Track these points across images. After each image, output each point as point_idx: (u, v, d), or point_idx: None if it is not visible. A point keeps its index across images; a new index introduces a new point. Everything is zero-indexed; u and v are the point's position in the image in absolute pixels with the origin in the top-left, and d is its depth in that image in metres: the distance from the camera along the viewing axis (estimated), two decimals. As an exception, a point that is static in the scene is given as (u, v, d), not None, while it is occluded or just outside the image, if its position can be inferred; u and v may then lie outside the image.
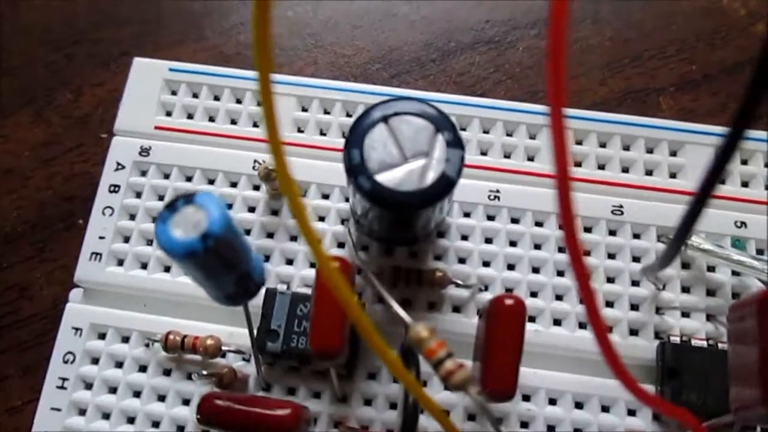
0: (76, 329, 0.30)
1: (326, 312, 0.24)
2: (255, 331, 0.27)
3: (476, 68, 0.37)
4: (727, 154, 0.17)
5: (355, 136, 0.24)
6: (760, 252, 0.30)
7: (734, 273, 0.29)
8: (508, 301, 0.24)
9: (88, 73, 0.38)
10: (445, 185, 0.24)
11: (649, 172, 0.31)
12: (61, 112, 0.37)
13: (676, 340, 0.28)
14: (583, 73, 0.37)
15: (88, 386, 0.29)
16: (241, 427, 0.24)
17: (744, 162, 0.31)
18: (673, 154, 0.32)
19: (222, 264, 0.21)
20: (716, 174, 0.18)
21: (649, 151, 0.32)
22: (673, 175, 0.31)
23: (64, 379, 0.29)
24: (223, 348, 0.28)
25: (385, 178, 0.24)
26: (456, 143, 0.24)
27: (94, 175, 0.35)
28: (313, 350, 0.24)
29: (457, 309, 0.29)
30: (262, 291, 0.28)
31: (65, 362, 0.29)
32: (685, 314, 0.29)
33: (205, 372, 0.27)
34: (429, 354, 0.22)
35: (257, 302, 0.28)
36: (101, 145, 0.36)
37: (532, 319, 0.29)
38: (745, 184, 0.31)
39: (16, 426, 0.32)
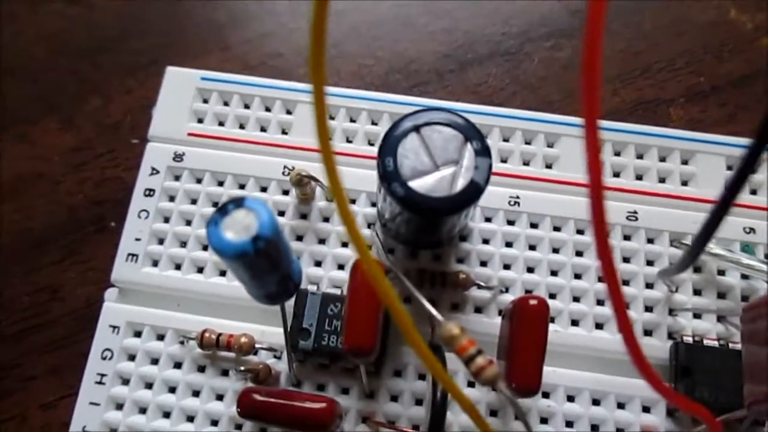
0: (114, 327, 0.31)
1: (360, 311, 0.25)
2: (288, 330, 0.29)
3: (493, 79, 0.39)
4: (750, 165, 0.18)
5: (388, 145, 0.26)
6: (768, 256, 0.31)
7: (743, 276, 0.31)
8: (533, 302, 0.26)
9: (115, 82, 0.39)
10: (473, 192, 0.25)
11: (662, 180, 0.33)
12: (91, 119, 0.38)
13: (689, 340, 0.29)
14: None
15: (125, 382, 0.30)
16: (279, 421, 0.25)
17: (752, 172, 0.33)
18: (685, 162, 0.33)
19: (268, 265, 0.22)
20: (739, 184, 0.19)
21: (662, 159, 0.33)
22: (684, 183, 0.33)
23: (102, 375, 0.30)
24: (256, 345, 0.30)
25: (417, 184, 0.25)
26: (484, 152, 0.26)
27: (126, 179, 0.36)
28: (347, 348, 0.25)
29: (479, 309, 0.31)
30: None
31: (103, 359, 0.30)
32: (697, 315, 0.30)
33: (242, 368, 0.28)
34: (461, 350, 0.23)
35: (289, 302, 0.29)
36: (132, 150, 0.37)
37: (551, 320, 0.31)
38: (753, 192, 0.33)
39: (48, 421, 0.33)
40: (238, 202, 0.22)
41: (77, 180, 0.37)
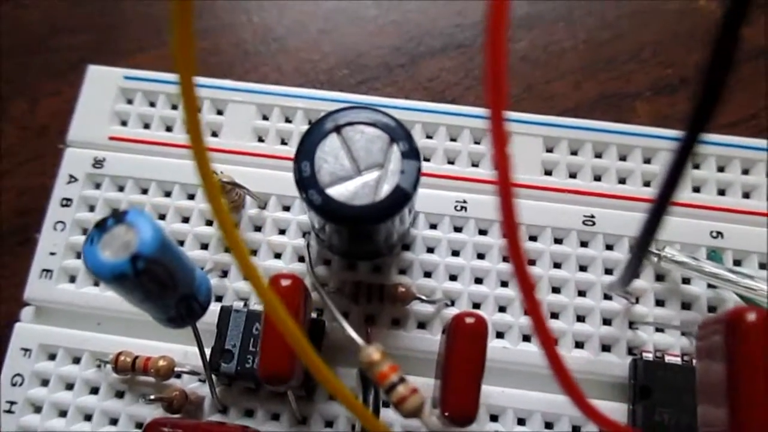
0: (25, 350, 0.28)
1: (277, 333, 0.22)
2: (209, 352, 0.26)
3: (446, 73, 0.36)
4: (683, 160, 0.16)
5: (305, 148, 0.23)
6: (737, 263, 0.29)
7: (710, 285, 0.28)
8: (469, 320, 0.23)
9: (44, 83, 0.37)
10: (400, 198, 0.23)
11: (622, 181, 0.30)
12: (17, 123, 0.36)
13: (649, 356, 0.27)
14: (556, 77, 0.36)
15: (37, 410, 0.28)
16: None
17: (720, 169, 0.30)
18: (647, 161, 0.30)
19: (158, 286, 0.20)
20: (673, 182, 0.16)
21: (622, 158, 0.31)
22: (647, 184, 0.30)
23: (12, 403, 0.28)
24: (177, 369, 0.27)
25: (336, 191, 0.23)
26: (412, 154, 0.23)
27: (52, 188, 0.34)
28: (261, 375, 0.22)
29: (422, 325, 0.28)
30: (217, 308, 0.27)
31: (13, 385, 0.28)
32: (660, 329, 0.28)
33: (152, 396, 0.26)
34: (380, 378, 0.21)
35: (212, 320, 0.27)
36: (59, 156, 0.34)
37: (500, 335, 0.28)
38: (721, 192, 0.30)
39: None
40: (118, 217, 0.19)
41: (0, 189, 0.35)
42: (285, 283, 0.23)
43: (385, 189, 0.23)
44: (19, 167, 0.35)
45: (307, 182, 0.23)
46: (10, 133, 0.35)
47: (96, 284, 0.29)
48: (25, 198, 0.34)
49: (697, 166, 0.30)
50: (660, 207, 0.17)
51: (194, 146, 0.17)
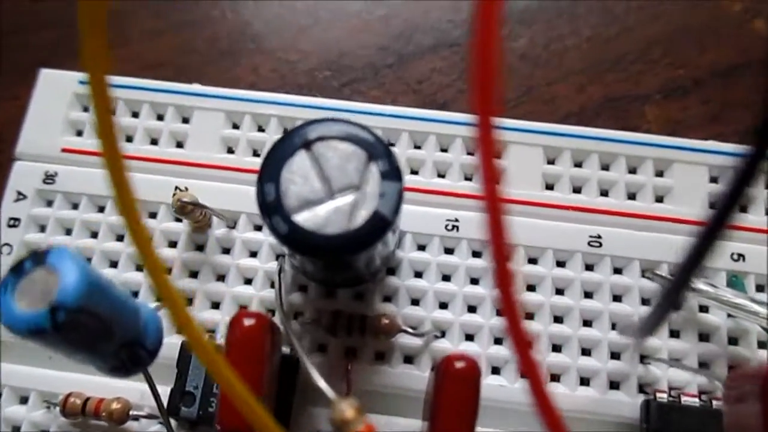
0: (-37, 388, 0.25)
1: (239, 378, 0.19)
2: (168, 391, 0.23)
3: (438, 74, 0.33)
4: (747, 179, 0.13)
5: (270, 167, 0.20)
6: (760, 289, 0.26)
7: (730, 315, 0.25)
8: (459, 364, 0.20)
9: (0, 86, 0.33)
10: (379, 225, 0.20)
11: (631, 196, 0.27)
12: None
13: (663, 396, 0.24)
14: (558, 78, 0.32)
15: (-23, 458, 0.25)
16: None
17: (741, 182, 0.27)
18: (660, 174, 0.27)
19: (88, 337, 0.17)
20: (732, 205, 0.13)
21: (632, 171, 0.27)
22: (659, 199, 0.27)
23: (-51, 450, 0.25)
24: (133, 412, 0.24)
25: (305, 218, 0.20)
26: (393, 174, 0.20)
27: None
28: (219, 427, 0.19)
29: (408, 360, 0.25)
30: (178, 343, 0.24)
31: (-50, 429, 0.25)
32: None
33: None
34: (354, 441, 0.18)
35: (173, 355, 0.24)
36: (8, 170, 0.31)
37: (495, 371, 0.25)
38: (743, 209, 0.27)
39: None
40: (38, 258, 0.16)
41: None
42: (248, 323, 0.20)
43: (362, 215, 0.20)
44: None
45: (272, 207, 0.20)
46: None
47: (46, 314, 0.26)
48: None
49: (715, 180, 0.27)
50: (711, 236, 0.14)
51: (107, 155, 0.14)
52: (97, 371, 0.21)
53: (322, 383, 0.19)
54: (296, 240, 0.19)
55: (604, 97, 0.32)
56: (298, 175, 0.20)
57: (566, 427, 0.16)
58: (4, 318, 0.15)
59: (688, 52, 0.32)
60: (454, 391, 0.20)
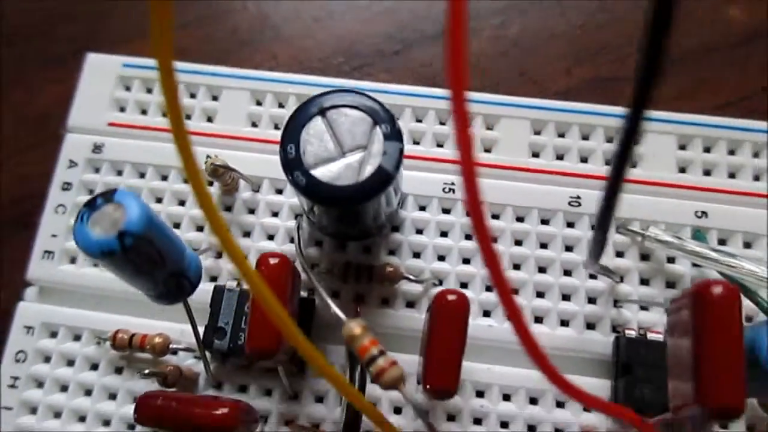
0: (28, 328, 0.29)
1: (261, 314, 0.23)
2: (203, 329, 0.27)
3: (438, 59, 0.36)
4: (630, 138, 0.16)
5: (290, 131, 0.24)
6: (722, 242, 0.29)
7: (695, 264, 0.29)
8: (451, 297, 0.24)
9: (44, 71, 0.37)
10: (382, 178, 0.23)
11: (608, 162, 0.31)
12: (17, 112, 0.37)
13: (632, 333, 0.27)
14: (547, 63, 0.36)
15: (40, 385, 0.29)
16: (177, 427, 0.23)
17: (707, 150, 0.31)
18: (634, 143, 0.31)
19: (146, 262, 0.21)
20: (623, 159, 0.17)
21: (609, 140, 0.31)
22: (633, 165, 0.31)
23: (15, 378, 0.29)
24: (173, 346, 0.28)
25: (321, 172, 0.23)
26: (394, 136, 0.24)
27: (52, 173, 0.35)
28: (248, 349, 0.23)
29: (410, 304, 0.29)
30: (211, 288, 0.28)
31: (17, 361, 0.29)
32: (644, 307, 0.28)
33: (147, 371, 0.27)
34: (361, 352, 0.22)
35: (206, 299, 0.28)
36: (59, 143, 0.35)
37: (486, 314, 0.29)
38: (707, 173, 0.30)
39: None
40: (107, 196, 0.20)
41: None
42: (272, 261, 0.24)
43: (368, 170, 0.23)
44: (19, 154, 0.36)
45: (293, 164, 0.23)
46: (10, 121, 0.36)
47: (95, 265, 0.30)
48: (25, 184, 0.35)
49: (683, 147, 0.31)
50: (614, 183, 0.18)
51: (174, 129, 0.17)
52: (142, 308, 0.26)
53: (335, 307, 0.23)
54: (314, 191, 0.23)
55: (591, 79, 0.36)
56: (315, 137, 0.24)
57: (546, 356, 0.19)
58: (80, 242, 0.19)
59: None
60: (446, 320, 0.23)
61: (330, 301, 0.23)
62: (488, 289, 0.29)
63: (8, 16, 0.39)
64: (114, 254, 0.19)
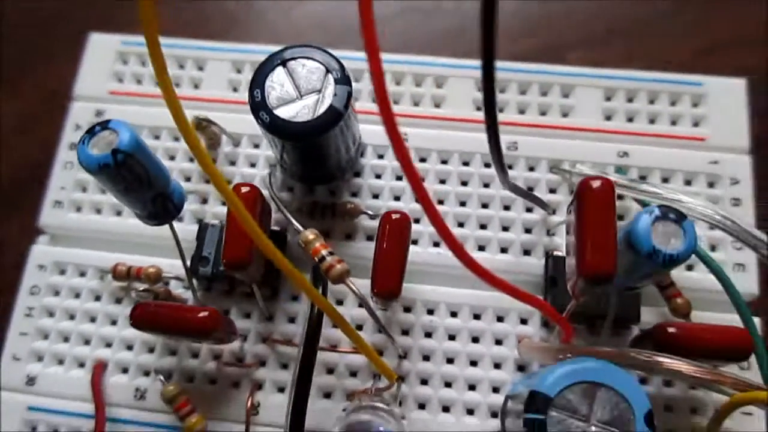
0: (41, 266, 0.34)
1: (235, 227, 0.28)
2: (190, 260, 0.32)
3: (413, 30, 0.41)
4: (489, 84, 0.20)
5: (257, 79, 0.28)
6: (642, 178, 0.33)
7: (619, 197, 0.33)
8: (395, 216, 0.28)
9: (54, 53, 0.42)
10: (334, 116, 0.28)
11: (542, 113, 0.35)
12: (34, 86, 0.42)
13: (560, 253, 0.31)
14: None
15: (51, 314, 0.33)
16: (166, 328, 0.28)
17: (630, 100, 0.35)
18: (566, 96, 0.35)
19: (135, 180, 0.25)
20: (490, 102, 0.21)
21: (543, 94, 0.35)
22: (565, 115, 0.35)
23: (31, 308, 0.33)
24: (164, 275, 0.33)
25: (282, 112, 0.28)
26: (343, 81, 0.28)
27: (61, 136, 0.39)
28: (225, 262, 0.28)
29: (370, 238, 0.33)
30: (196, 227, 0.33)
31: (32, 294, 0.34)
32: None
33: (142, 288, 0.31)
34: (314, 253, 0.26)
35: (193, 236, 0.32)
36: (67, 112, 0.40)
37: (436, 245, 0.33)
38: (630, 120, 0.35)
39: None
40: (104, 124, 0.25)
41: (21, 143, 0.41)
42: (244, 189, 0.28)
43: (322, 109, 0.28)
44: (33, 123, 0.41)
45: (259, 106, 0.28)
46: (27, 96, 0.41)
47: (98, 212, 0.35)
48: (39, 147, 0.40)
49: (609, 98, 0.35)
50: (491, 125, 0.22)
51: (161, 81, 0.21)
52: (138, 248, 0.30)
53: (292, 220, 0.27)
54: (276, 128, 0.28)
55: (534, 47, 0.40)
56: (277, 83, 0.28)
57: (476, 261, 0.23)
58: (82, 159, 0.24)
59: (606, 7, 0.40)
60: (392, 233, 0.28)
61: (288, 215, 0.28)
62: (438, 223, 0.33)
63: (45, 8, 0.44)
64: (109, 168, 0.24)
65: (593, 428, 0.23)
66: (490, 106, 0.21)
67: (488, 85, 0.20)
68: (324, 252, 0.26)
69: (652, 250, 0.23)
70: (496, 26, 0.19)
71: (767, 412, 0.29)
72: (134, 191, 0.26)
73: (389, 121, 0.22)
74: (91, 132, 0.24)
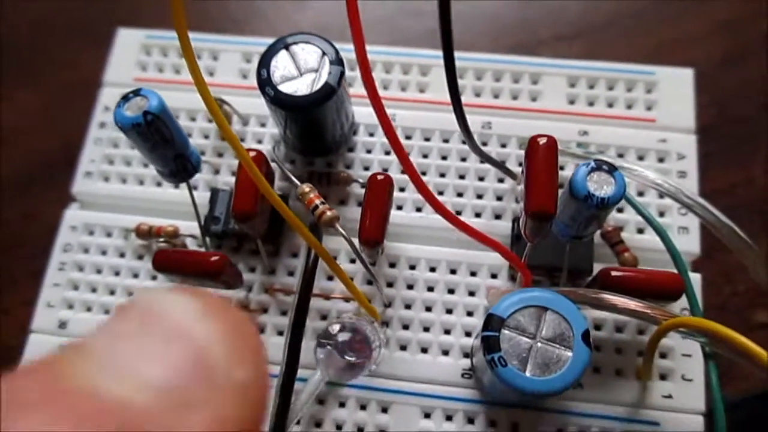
0: (73, 227, 0.39)
1: (245, 182, 0.32)
2: (203, 219, 0.36)
3: (408, 31, 0.46)
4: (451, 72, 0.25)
5: (264, 60, 0.33)
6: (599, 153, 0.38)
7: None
8: (380, 177, 0.33)
9: (89, 45, 0.48)
10: (328, 91, 0.33)
11: (514, 97, 0.40)
12: (65, 77, 0.47)
13: (524, 216, 0.36)
14: (475, 35, 0.46)
15: (81, 269, 0.38)
16: (183, 269, 0.32)
17: (591, 87, 0.40)
18: (535, 82, 0.40)
19: (161, 139, 0.30)
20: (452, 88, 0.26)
21: (516, 81, 0.40)
22: (533, 99, 0.40)
23: (63, 263, 0.38)
24: (180, 233, 0.37)
25: (284, 87, 0.33)
26: (337, 62, 0.33)
27: (92, 118, 0.44)
28: (234, 211, 0.32)
29: (360, 204, 0.38)
30: (208, 193, 0.37)
31: (65, 251, 0.38)
32: (537, 201, 0.37)
33: (162, 240, 0.36)
34: (309, 202, 0.31)
35: (206, 201, 0.37)
36: (97, 97, 0.45)
37: (419, 210, 0.38)
38: (591, 104, 0.39)
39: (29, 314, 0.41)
40: (136, 92, 0.30)
41: (51, 130, 0.46)
42: (252, 154, 0.33)
43: (318, 85, 0.33)
44: (66, 110, 0.46)
45: (265, 83, 0.33)
46: (60, 84, 0.47)
47: (123, 181, 0.40)
48: (73, 131, 0.45)
49: (573, 85, 0.40)
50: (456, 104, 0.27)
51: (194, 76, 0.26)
52: (157, 212, 0.35)
53: (291, 176, 0.32)
54: (280, 100, 0.33)
55: (510, 44, 0.45)
56: (281, 63, 0.33)
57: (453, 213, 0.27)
58: (118, 120, 0.29)
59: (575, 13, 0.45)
60: (376, 191, 0.32)
61: (289, 173, 0.32)
62: (420, 192, 0.38)
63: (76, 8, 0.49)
64: (140, 126, 0.29)
65: (539, 344, 0.27)
66: (453, 86, 0.26)
67: (450, 67, 0.25)
68: (317, 201, 0.30)
69: (587, 194, 0.27)
70: (451, 24, 0.24)
71: (685, 337, 0.33)
72: (160, 149, 0.31)
73: (376, 102, 0.26)
74: (125, 98, 0.29)
